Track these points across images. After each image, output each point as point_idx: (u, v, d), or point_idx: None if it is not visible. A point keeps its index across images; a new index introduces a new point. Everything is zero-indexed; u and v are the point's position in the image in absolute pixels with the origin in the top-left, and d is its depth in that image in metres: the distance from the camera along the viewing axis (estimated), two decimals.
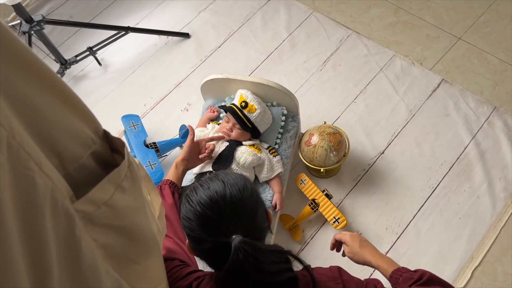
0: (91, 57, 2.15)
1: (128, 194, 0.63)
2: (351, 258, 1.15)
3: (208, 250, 0.85)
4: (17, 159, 0.45)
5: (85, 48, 2.10)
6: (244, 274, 0.77)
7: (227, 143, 1.60)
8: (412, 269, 1.03)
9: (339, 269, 0.96)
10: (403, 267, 1.03)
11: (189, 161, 1.49)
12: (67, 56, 2.13)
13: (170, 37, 2.28)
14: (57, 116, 0.53)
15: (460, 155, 1.80)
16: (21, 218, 0.46)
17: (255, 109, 1.59)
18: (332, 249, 1.24)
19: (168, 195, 1.36)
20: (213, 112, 1.76)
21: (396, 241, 1.66)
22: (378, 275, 1.50)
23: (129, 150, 1.78)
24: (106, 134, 0.63)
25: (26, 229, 0.47)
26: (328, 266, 0.99)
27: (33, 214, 0.48)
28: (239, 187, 0.84)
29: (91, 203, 0.57)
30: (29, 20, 1.86)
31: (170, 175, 1.45)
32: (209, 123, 1.73)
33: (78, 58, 2.12)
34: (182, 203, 0.88)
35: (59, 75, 0.54)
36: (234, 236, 0.79)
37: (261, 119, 1.61)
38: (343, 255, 1.20)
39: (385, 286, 0.94)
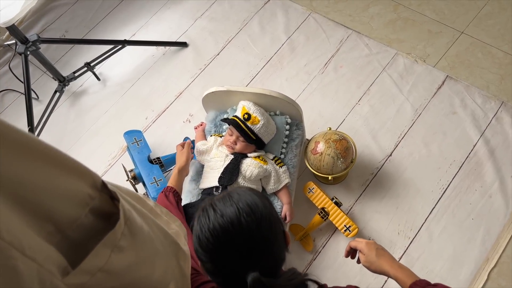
0: (89, 73, 2.12)
1: (127, 251, 0.61)
2: (368, 268, 1.11)
3: (222, 283, 0.82)
4: None
5: (82, 64, 2.08)
6: None
7: (232, 156, 1.58)
8: (431, 280, 0.99)
9: None
10: (422, 280, 0.99)
11: (184, 169, 1.56)
12: (65, 73, 2.10)
13: (167, 47, 2.25)
14: (48, 182, 0.51)
15: (469, 153, 1.77)
16: None
17: (259, 121, 1.56)
18: (346, 256, 1.21)
19: (173, 202, 1.40)
20: (200, 125, 1.77)
21: (409, 245, 1.63)
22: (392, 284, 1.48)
23: (129, 171, 1.76)
24: (104, 185, 0.61)
25: None
26: (345, 286, 0.96)
27: None
28: (256, 216, 0.78)
29: (84, 273, 0.55)
30: (24, 40, 1.83)
31: (173, 182, 1.49)
32: (211, 136, 1.70)
33: (76, 74, 2.09)
34: (194, 229, 0.83)
35: (42, 140, 0.52)
36: (250, 274, 0.75)
37: (265, 130, 1.58)
38: (358, 262, 1.17)
39: None
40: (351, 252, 1.20)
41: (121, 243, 0.60)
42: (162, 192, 1.44)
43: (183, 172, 1.55)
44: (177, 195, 1.44)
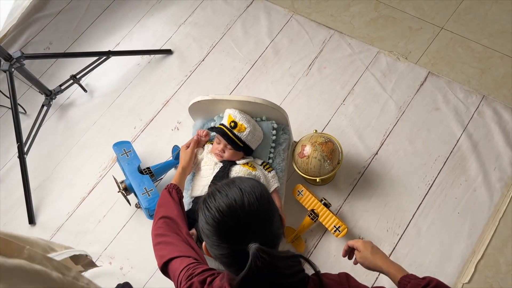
0: (76, 84, 2.13)
1: None
2: (362, 263, 1.20)
3: (225, 255, 0.88)
4: None
5: (68, 76, 2.09)
6: (262, 278, 0.81)
7: (221, 164, 1.60)
8: (420, 274, 1.07)
9: (347, 276, 1.01)
10: (411, 274, 1.07)
11: (188, 168, 1.59)
12: (51, 86, 2.11)
13: (152, 55, 2.26)
14: None
15: (453, 148, 1.81)
16: None
17: (245, 128, 1.59)
18: (344, 256, 1.28)
19: (176, 198, 1.44)
20: (205, 136, 1.71)
21: (398, 242, 1.67)
22: (382, 282, 1.52)
23: (120, 183, 1.77)
24: None
25: None
26: (337, 273, 1.03)
27: None
28: (256, 195, 0.87)
29: None
30: (8, 58, 1.84)
31: (176, 180, 1.53)
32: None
33: (62, 87, 2.10)
34: (200, 208, 0.91)
35: None
36: (251, 244, 0.81)
37: (252, 137, 1.61)
38: (355, 263, 1.25)
39: None
40: (349, 252, 1.28)
41: None
42: (165, 188, 1.48)
43: (186, 170, 1.58)
44: (179, 192, 1.48)
